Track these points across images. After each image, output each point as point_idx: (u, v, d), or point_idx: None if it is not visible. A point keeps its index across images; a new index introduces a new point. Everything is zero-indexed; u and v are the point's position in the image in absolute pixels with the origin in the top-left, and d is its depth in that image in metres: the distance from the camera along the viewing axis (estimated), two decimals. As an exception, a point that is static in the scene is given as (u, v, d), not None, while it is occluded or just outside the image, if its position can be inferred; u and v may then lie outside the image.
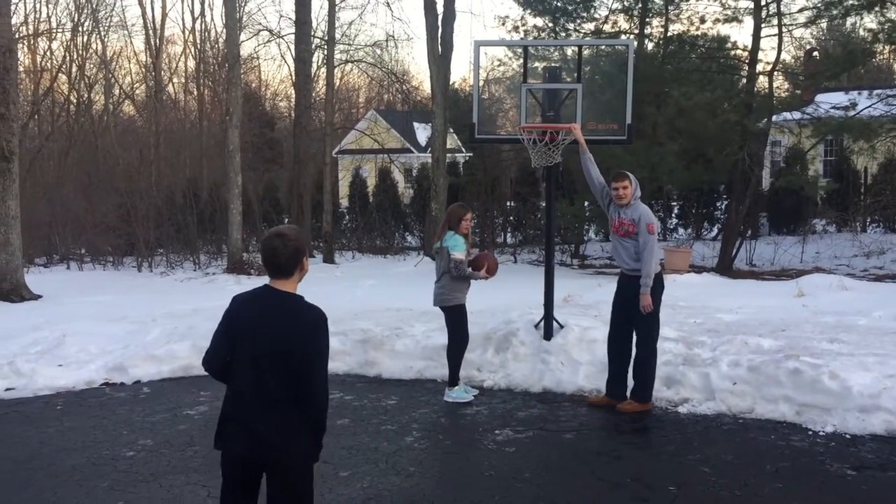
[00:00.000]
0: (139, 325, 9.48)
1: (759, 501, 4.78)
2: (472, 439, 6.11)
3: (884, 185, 19.95)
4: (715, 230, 21.99)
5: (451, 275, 6.90)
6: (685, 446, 5.79)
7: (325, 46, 22.07)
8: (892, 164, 20.15)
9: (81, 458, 5.68)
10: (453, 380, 7.10)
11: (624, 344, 6.84)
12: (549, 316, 7.98)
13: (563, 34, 17.34)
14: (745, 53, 16.19)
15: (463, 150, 27.60)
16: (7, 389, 7.57)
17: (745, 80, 16.27)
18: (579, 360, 7.57)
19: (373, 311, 10.46)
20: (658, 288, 6.67)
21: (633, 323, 6.71)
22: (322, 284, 15.24)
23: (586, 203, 19.83)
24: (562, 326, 7.97)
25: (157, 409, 6.98)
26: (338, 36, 23.19)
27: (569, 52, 16.72)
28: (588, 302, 11.04)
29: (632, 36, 16.85)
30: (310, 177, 22.58)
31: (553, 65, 14.37)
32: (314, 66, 25.19)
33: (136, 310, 10.96)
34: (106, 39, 40.67)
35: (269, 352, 3.17)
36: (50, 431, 6.37)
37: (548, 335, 7.90)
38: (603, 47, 16.15)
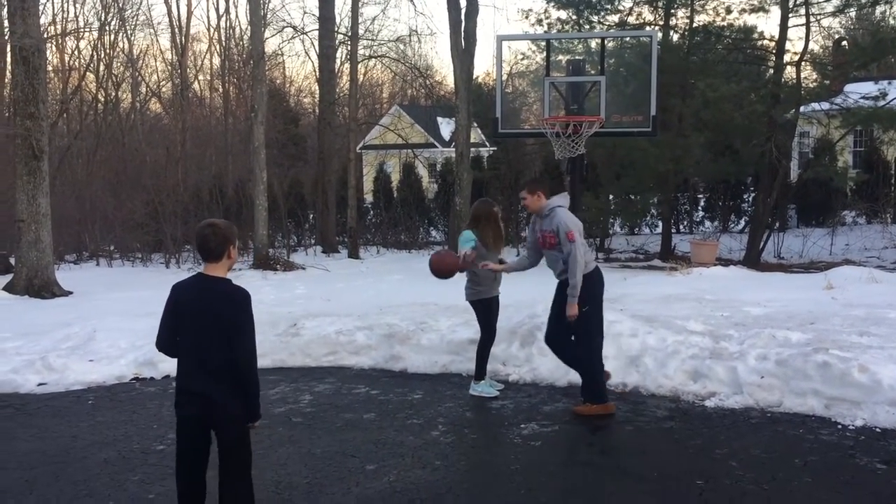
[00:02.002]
0: (167, 320, 9.58)
1: (787, 495, 4.74)
2: (498, 433, 6.12)
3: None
4: (742, 223, 21.80)
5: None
6: (712, 440, 5.76)
7: (349, 42, 22.14)
8: (924, 155, 19.86)
9: (112, 452, 5.77)
10: (479, 374, 7.11)
11: (563, 346, 6.59)
12: (574, 310, 7.94)
13: (587, 27, 17.26)
14: (773, 44, 16.02)
15: (487, 144, 27.57)
16: (39, 384, 7.70)
17: (772, 71, 16.10)
18: (605, 355, 7.51)
19: (398, 306, 10.50)
20: (597, 284, 6.40)
21: (568, 324, 6.40)
22: (347, 280, 15.32)
23: (611, 196, 19.76)
24: (587, 320, 7.93)
25: (186, 403, 7.05)
26: (361, 31, 23.26)
27: (592, 44, 16.64)
28: (613, 296, 10.99)
29: (656, 27, 16.73)
30: (334, 172, 22.67)
31: (577, 58, 14.29)
32: (338, 61, 25.31)
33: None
34: (132, 38, 41.06)
35: (209, 327, 3.74)
36: (81, 426, 6.47)
37: (573, 329, 7.87)
38: (627, 39, 16.05)
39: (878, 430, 5.84)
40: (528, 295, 10.01)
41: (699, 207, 23.08)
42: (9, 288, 13.54)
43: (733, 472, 5.10)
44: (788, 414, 6.30)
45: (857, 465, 5.21)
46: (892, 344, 7.17)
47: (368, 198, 25.47)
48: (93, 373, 7.96)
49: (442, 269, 6.56)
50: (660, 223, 20.33)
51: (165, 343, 3.88)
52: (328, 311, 10.32)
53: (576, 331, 6.42)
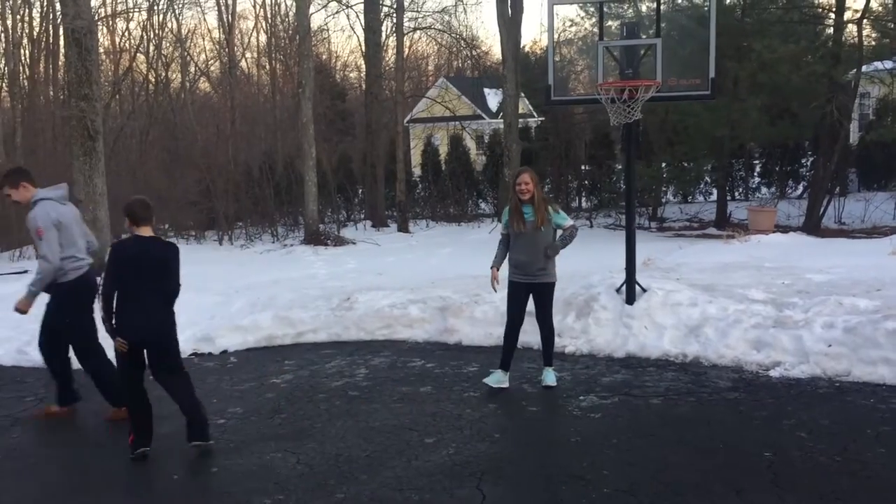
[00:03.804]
0: (223, 296, 9.69)
1: (860, 467, 4.58)
2: (556, 405, 6.04)
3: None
4: (800, 188, 21.22)
5: None
6: (779, 411, 5.60)
7: (394, 14, 21.98)
8: None
9: (174, 426, 5.82)
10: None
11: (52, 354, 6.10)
12: (631, 279, 7.81)
13: (638, -10, 16.82)
14: (831, 2, 15.43)
15: (535, 114, 27.24)
16: (102, 361, 7.83)
17: (831, 30, 15.53)
18: (663, 324, 7.40)
19: (450, 279, 10.45)
20: (81, 293, 5.91)
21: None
22: (398, 253, 15.32)
23: (663, 164, 19.38)
24: (644, 290, 7.79)
25: (244, 377, 7.13)
26: (406, 3, 23.07)
27: (643, 7, 16.23)
28: (669, 265, 10.80)
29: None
30: (382, 146, 22.63)
31: (630, 21, 13.96)
32: (383, 34, 25.15)
33: (220, 282, 11.20)
34: (180, 18, 41.50)
35: (156, 270, 5.04)
36: (143, 401, 6.55)
37: (630, 299, 7.74)
38: (680, 0, 15.61)
39: (954, 399, 5.62)
40: (581, 266, 9.88)
41: (755, 173, 22.50)
42: (69, 267, 13.82)
43: (803, 444, 4.95)
44: (858, 383, 6.11)
45: (934, 435, 5.02)
46: (967, 310, 6.88)
47: (417, 171, 25.39)
48: (152, 349, 8.07)
49: None
50: (714, 191, 19.89)
51: (110, 291, 4.99)
52: (380, 284, 10.31)
53: (74, 343, 5.99)
